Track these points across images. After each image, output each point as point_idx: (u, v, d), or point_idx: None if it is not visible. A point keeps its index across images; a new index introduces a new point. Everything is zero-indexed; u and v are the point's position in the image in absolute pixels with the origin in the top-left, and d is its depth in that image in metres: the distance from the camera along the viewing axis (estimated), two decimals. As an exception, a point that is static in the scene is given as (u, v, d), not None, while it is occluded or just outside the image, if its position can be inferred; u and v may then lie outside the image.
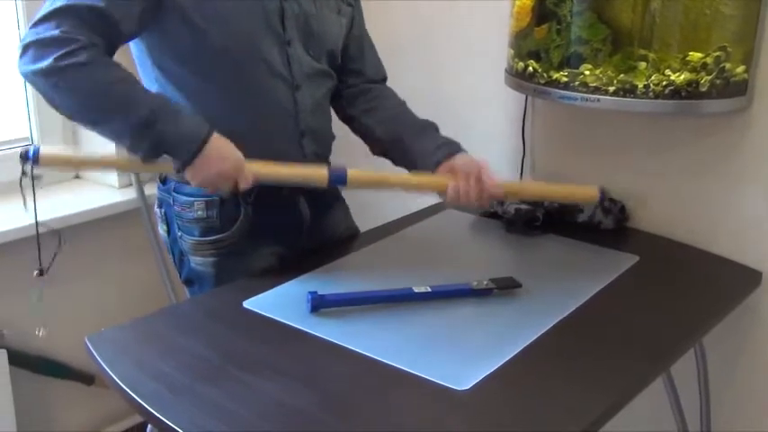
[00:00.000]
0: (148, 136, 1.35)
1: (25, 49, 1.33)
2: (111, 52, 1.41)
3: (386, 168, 1.65)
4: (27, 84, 2.00)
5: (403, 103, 1.71)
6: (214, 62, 1.46)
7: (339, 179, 1.48)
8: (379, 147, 1.67)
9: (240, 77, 1.47)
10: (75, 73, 1.32)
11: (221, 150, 1.40)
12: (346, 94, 1.68)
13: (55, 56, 1.31)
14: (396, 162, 1.65)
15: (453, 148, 1.58)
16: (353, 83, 1.68)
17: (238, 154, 1.41)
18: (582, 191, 1.65)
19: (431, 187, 1.57)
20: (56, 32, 1.32)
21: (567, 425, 1.10)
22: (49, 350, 2.07)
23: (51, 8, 1.33)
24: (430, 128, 1.64)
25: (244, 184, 1.41)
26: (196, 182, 1.41)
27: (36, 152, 1.37)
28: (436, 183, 1.54)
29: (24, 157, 1.38)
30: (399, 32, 2.07)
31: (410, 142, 1.61)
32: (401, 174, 1.60)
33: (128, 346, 1.29)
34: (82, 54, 1.32)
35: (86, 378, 2.13)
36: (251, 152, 1.44)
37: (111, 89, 1.35)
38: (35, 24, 1.34)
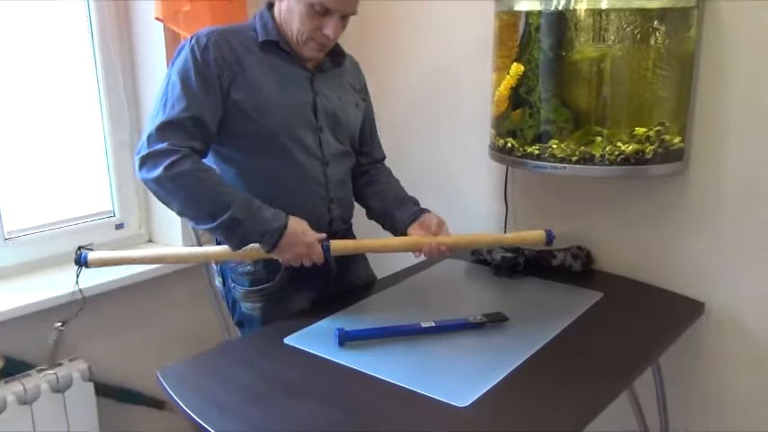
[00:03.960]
0: (236, 233, 1.39)
1: (143, 161, 1.37)
2: (207, 148, 1.45)
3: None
4: (110, 165, 2.07)
5: (393, 180, 1.71)
6: (264, 144, 1.47)
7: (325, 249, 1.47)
8: (372, 214, 1.68)
9: (284, 156, 1.49)
10: (179, 180, 1.36)
11: (292, 239, 1.41)
12: (355, 171, 1.68)
13: (164, 165, 1.34)
14: (384, 227, 1.66)
15: (419, 213, 1.59)
16: (363, 162, 1.69)
17: (302, 248, 1.42)
18: (530, 236, 1.61)
19: (408, 248, 1.56)
20: (164, 145, 1.35)
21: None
22: (128, 382, 2.07)
23: (159, 122, 1.37)
24: (408, 201, 1.64)
25: (316, 259, 1.44)
26: (283, 261, 1.44)
27: (85, 257, 1.41)
28: (412, 243, 1.54)
29: (77, 262, 1.41)
30: (404, 116, 2.10)
31: (393, 212, 1.62)
32: (384, 239, 1.60)
33: (190, 376, 1.28)
34: (185, 163, 1.36)
35: (158, 404, 2.12)
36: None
37: (206, 195, 1.38)
38: (148, 138, 1.37)
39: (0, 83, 1.83)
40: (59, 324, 1.55)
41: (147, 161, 1.37)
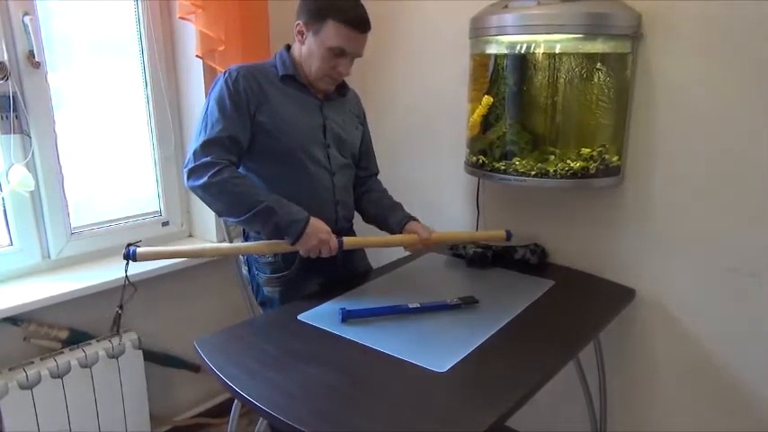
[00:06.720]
0: (269, 223, 1.38)
1: (191, 172, 1.36)
2: (240, 160, 1.44)
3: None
4: (158, 174, 2.05)
5: (384, 190, 1.72)
6: (283, 158, 1.46)
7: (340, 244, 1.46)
8: (369, 218, 1.68)
9: (299, 168, 1.48)
10: (221, 186, 1.35)
11: (315, 229, 1.40)
12: (354, 181, 1.67)
13: (208, 175, 1.34)
14: (380, 228, 1.66)
15: (409, 218, 1.61)
16: (361, 174, 1.69)
17: (324, 235, 1.41)
18: (494, 234, 1.65)
19: (404, 244, 1.58)
20: (207, 159, 1.35)
21: (510, 393, 1.08)
22: (171, 349, 2.05)
23: (202, 141, 1.37)
24: (399, 208, 1.65)
25: (332, 250, 1.43)
26: (304, 250, 1.41)
27: (134, 252, 1.37)
28: (408, 240, 1.56)
29: (126, 256, 1.37)
30: (397, 137, 2.10)
31: (387, 217, 1.63)
32: (385, 237, 1.62)
33: (221, 346, 1.27)
34: (225, 172, 1.35)
35: (194, 368, 2.11)
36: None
37: (243, 196, 1.37)
38: (194, 154, 1.37)
39: (76, 114, 1.82)
40: (118, 308, 1.52)
41: (194, 172, 1.36)
